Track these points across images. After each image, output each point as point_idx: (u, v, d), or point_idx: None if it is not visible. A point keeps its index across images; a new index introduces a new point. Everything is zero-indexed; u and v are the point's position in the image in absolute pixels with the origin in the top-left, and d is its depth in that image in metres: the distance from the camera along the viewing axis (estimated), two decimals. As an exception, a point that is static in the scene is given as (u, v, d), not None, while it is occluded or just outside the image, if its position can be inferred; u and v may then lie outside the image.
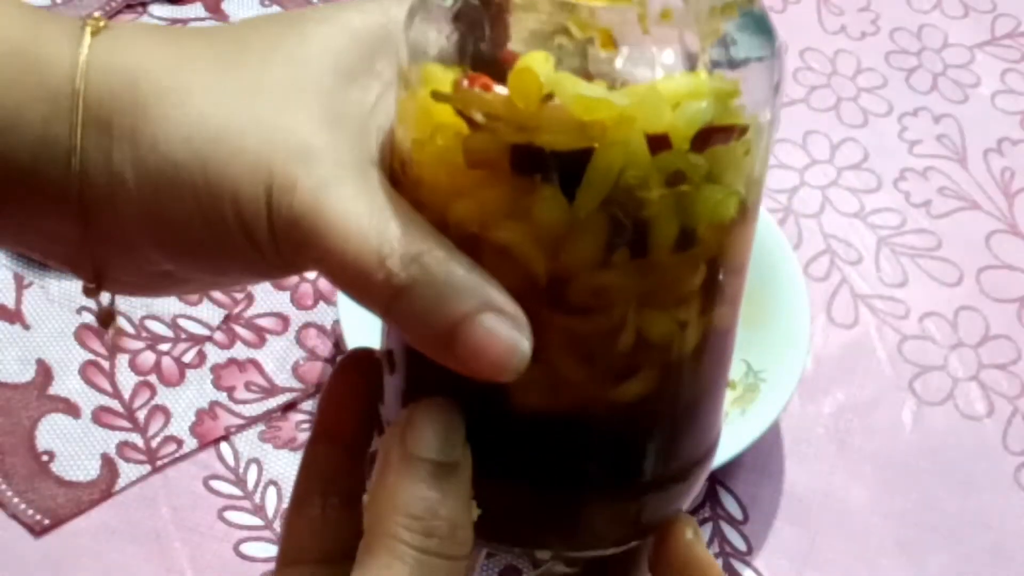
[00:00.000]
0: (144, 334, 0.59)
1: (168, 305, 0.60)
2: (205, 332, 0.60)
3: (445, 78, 0.30)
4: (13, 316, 0.60)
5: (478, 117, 0.30)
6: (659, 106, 0.30)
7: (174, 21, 0.71)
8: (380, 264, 0.29)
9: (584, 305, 0.31)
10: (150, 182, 0.30)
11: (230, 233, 0.31)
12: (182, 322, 0.60)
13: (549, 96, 0.30)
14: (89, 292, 0.34)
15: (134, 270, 0.33)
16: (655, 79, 0.30)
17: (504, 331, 0.29)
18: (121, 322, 0.59)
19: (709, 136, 0.30)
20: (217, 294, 0.61)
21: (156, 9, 0.72)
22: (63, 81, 0.30)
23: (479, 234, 0.31)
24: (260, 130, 0.30)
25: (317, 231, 0.30)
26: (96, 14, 0.33)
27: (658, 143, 0.30)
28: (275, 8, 0.73)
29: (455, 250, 0.30)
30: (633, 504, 0.34)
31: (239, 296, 0.61)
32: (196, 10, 0.72)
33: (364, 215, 0.30)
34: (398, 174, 0.32)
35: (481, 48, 0.31)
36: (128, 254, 0.32)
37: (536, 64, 0.30)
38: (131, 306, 0.60)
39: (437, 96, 0.30)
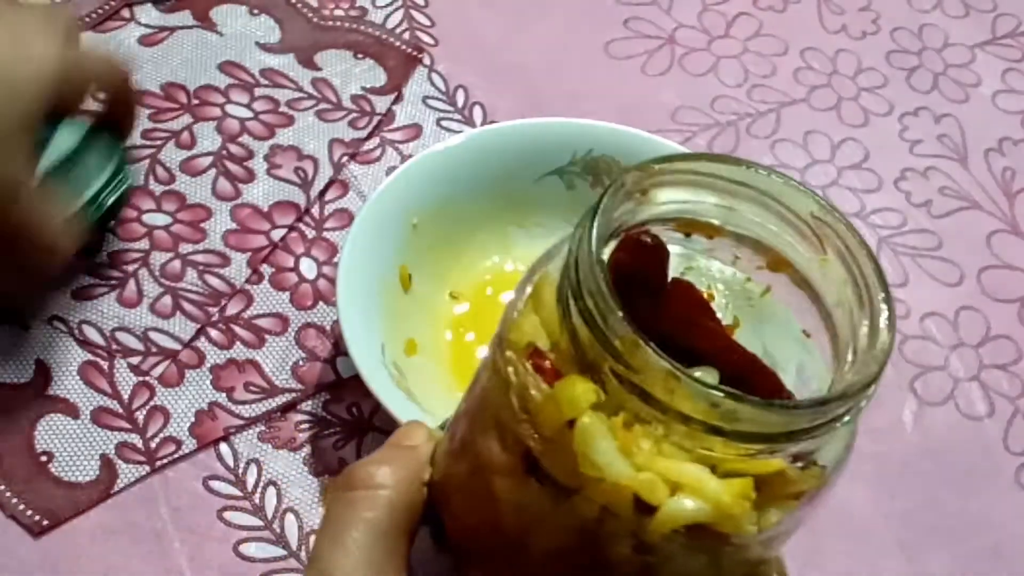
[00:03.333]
0: (115, 346, 0.59)
1: (140, 318, 0.60)
2: (176, 346, 0.60)
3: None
4: (12, 316, 0.60)
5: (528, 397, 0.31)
6: (656, 487, 0.30)
7: (162, 28, 0.71)
8: None
9: None
10: None
11: None
12: (153, 335, 0.60)
13: (571, 422, 0.30)
14: None
15: None
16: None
17: None
18: (91, 334, 0.59)
19: (695, 529, 0.30)
20: (191, 308, 0.61)
21: (144, 17, 0.72)
22: None
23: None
24: None
25: None
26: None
27: (643, 508, 0.30)
28: (263, 17, 0.72)
29: None
30: None
31: (212, 310, 0.61)
32: (184, 18, 0.72)
33: None
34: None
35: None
36: None
37: (571, 394, 0.30)
38: (103, 317, 0.60)
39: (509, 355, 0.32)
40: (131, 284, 0.61)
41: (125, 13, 0.72)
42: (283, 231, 0.64)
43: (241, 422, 0.58)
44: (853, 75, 0.75)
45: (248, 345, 0.60)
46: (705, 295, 0.34)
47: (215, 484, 0.56)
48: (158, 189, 0.65)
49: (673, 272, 0.33)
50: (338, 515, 0.35)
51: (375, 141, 0.68)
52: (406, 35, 0.73)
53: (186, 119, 0.68)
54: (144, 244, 0.63)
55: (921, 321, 0.65)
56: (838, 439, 0.32)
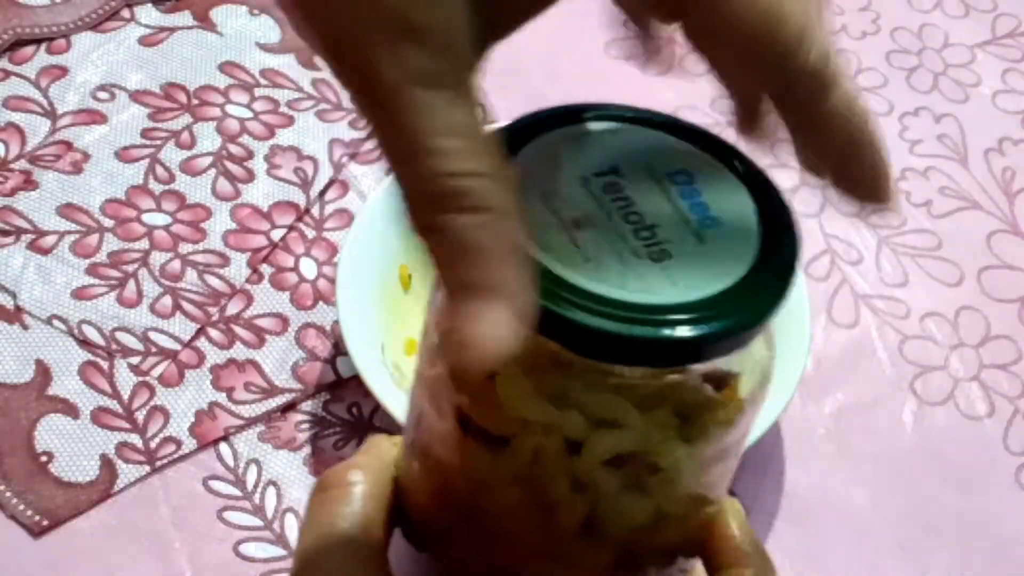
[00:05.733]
0: (115, 346, 0.59)
1: (140, 318, 0.60)
2: (176, 346, 0.60)
3: None
4: (12, 316, 0.60)
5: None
6: (578, 422, 0.30)
7: (162, 29, 0.71)
8: None
9: (498, 534, 0.34)
10: None
11: None
12: (153, 335, 0.60)
13: (492, 378, 0.31)
14: None
15: None
16: None
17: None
18: (91, 334, 0.59)
19: (623, 461, 0.31)
20: (191, 308, 0.61)
21: (144, 17, 0.72)
22: None
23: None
24: None
25: None
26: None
27: (573, 449, 0.31)
28: (263, 17, 0.72)
29: None
30: None
31: (212, 310, 0.61)
32: (184, 18, 0.72)
33: None
34: None
35: None
36: None
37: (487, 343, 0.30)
38: (103, 317, 0.60)
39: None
40: (131, 284, 0.61)
41: (125, 13, 0.72)
42: (283, 231, 0.64)
43: (241, 422, 0.58)
44: (853, 75, 0.75)
45: (248, 345, 0.60)
46: None
47: (215, 484, 0.56)
48: (158, 189, 0.65)
49: None
50: (316, 515, 0.37)
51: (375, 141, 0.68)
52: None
53: (186, 119, 0.68)
54: (144, 244, 0.63)
55: (921, 321, 0.65)
56: (753, 367, 0.32)
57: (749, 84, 0.32)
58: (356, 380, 0.56)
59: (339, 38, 0.28)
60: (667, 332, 0.28)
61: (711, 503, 0.36)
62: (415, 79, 0.27)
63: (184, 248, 0.63)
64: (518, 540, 0.34)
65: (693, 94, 0.73)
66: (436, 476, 0.35)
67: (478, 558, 0.36)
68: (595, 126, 0.33)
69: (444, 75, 0.27)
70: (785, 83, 0.30)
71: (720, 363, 0.31)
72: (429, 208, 0.27)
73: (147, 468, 0.56)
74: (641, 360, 0.29)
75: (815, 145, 0.30)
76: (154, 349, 0.59)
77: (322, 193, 0.66)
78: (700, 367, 0.31)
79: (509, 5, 0.31)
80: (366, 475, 0.37)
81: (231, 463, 0.57)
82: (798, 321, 0.59)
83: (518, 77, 0.71)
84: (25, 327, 0.60)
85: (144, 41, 0.71)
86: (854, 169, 0.30)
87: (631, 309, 0.29)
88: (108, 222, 0.63)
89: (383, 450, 0.38)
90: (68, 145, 0.66)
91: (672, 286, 0.29)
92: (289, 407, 0.59)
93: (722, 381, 0.32)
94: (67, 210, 0.63)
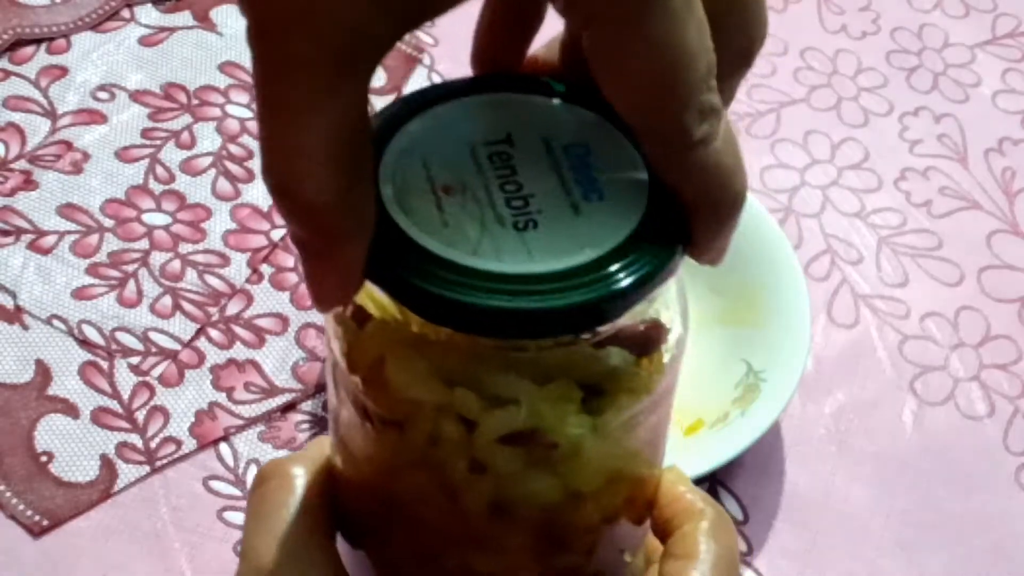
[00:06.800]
0: (115, 346, 0.59)
1: (140, 318, 0.60)
2: (176, 346, 0.60)
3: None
4: (12, 316, 0.60)
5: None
6: (469, 400, 0.30)
7: (162, 29, 0.71)
8: None
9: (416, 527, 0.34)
10: None
11: None
12: (153, 335, 0.60)
13: (382, 359, 0.30)
14: None
15: None
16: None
17: None
18: (91, 334, 0.59)
19: (522, 438, 0.30)
20: (191, 308, 0.61)
21: (144, 17, 0.72)
22: None
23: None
24: None
25: None
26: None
27: (471, 428, 0.30)
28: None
29: None
30: None
31: (212, 310, 0.61)
32: (184, 18, 0.72)
33: None
34: None
35: None
36: None
37: (378, 330, 0.31)
38: (103, 317, 0.60)
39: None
40: (131, 284, 0.61)
41: (125, 13, 0.72)
42: (283, 231, 0.64)
43: (241, 422, 0.58)
44: (853, 75, 0.75)
45: (248, 345, 0.60)
46: None
47: (215, 484, 0.56)
48: (158, 189, 0.65)
49: None
50: (256, 508, 0.36)
51: (375, 141, 0.68)
52: (406, 35, 0.73)
53: (186, 119, 0.68)
54: (144, 244, 0.63)
55: (921, 321, 0.65)
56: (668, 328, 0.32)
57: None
58: (356, 380, 0.56)
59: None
60: (499, 302, 0.28)
61: (640, 475, 0.35)
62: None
63: (184, 248, 0.63)
64: (433, 527, 0.33)
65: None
66: (352, 467, 0.35)
67: (402, 548, 0.35)
68: (501, 96, 0.33)
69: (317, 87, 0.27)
70: (651, 137, 0.30)
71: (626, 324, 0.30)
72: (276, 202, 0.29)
73: (147, 468, 0.56)
74: (487, 330, 0.29)
75: (670, 185, 0.30)
76: (154, 349, 0.59)
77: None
78: (581, 337, 0.30)
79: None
80: (306, 467, 0.37)
81: (231, 463, 0.57)
82: (798, 321, 0.59)
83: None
84: (25, 327, 0.60)
85: (144, 41, 0.71)
86: (695, 224, 0.30)
87: (474, 276, 0.28)
88: (108, 222, 0.63)
89: (323, 446, 0.38)
90: (68, 145, 0.66)
91: (526, 255, 0.28)
92: (289, 407, 0.59)
93: (645, 345, 0.31)
94: (67, 210, 0.63)
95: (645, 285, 0.29)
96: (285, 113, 0.27)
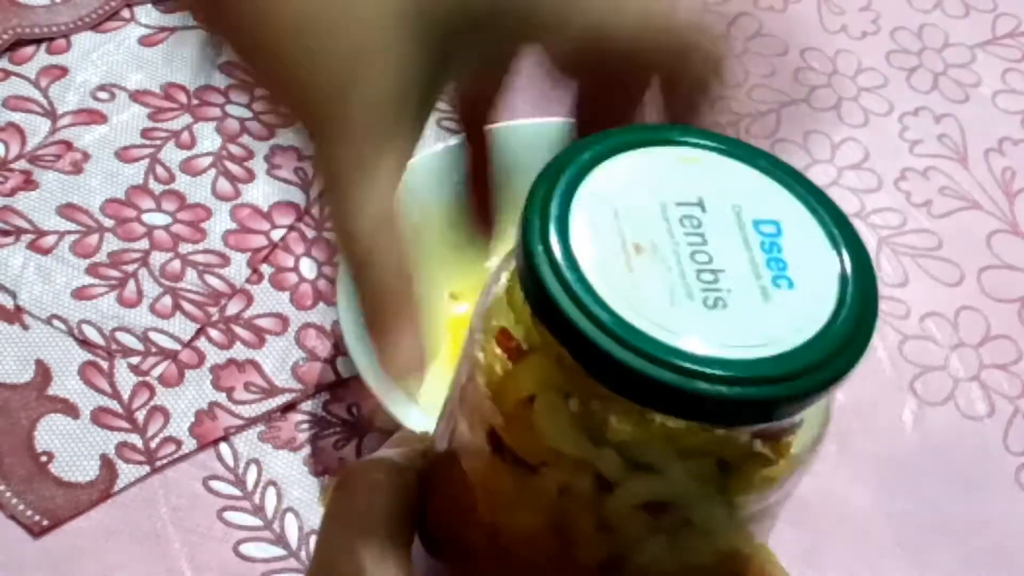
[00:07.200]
0: (115, 346, 0.59)
1: (140, 318, 0.60)
2: (176, 346, 0.60)
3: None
4: (12, 316, 0.60)
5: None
6: (613, 462, 0.29)
7: (162, 29, 0.71)
8: None
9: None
10: None
11: None
12: (153, 335, 0.60)
13: (531, 399, 0.30)
14: None
15: None
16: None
17: None
18: (91, 334, 0.59)
19: (656, 508, 0.30)
20: (191, 308, 0.61)
21: (144, 17, 0.72)
22: None
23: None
24: None
25: None
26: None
27: (604, 486, 0.30)
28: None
29: None
30: None
31: (212, 310, 0.61)
32: (184, 18, 0.72)
33: None
34: None
35: None
36: None
37: (533, 370, 0.30)
38: (103, 317, 0.60)
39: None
40: (131, 284, 0.61)
41: (125, 13, 0.72)
42: (283, 231, 0.64)
43: (241, 422, 0.58)
44: (853, 75, 0.75)
45: (248, 345, 0.60)
46: None
47: (215, 484, 0.56)
48: (158, 189, 0.65)
49: None
50: (337, 508, 0.36)
51: (375, 141, 0.68)
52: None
53: (186, 119, 0.68)
54: (144, 244, 0.63)
55: (921, 321, 0.65)
56: (810, 422, 0.31)
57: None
58: (356, 380, 0.56)
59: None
60: (715, 388, 0.27)
61: (747, 555, 0.35)
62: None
63: (184, 248, 0.63)
64: (534, 567, 0.33)
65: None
66: (461, 488, 0.34)
67: (491, 574, 0.35)
68: (691, 152, 0.31)
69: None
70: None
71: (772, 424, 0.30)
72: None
73: (147, 468, 0.56)
74: (663, 407, 0.28)
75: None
76: (154, 349, 0.59)
77: (322, 193, 0.66)
78: (750, 427, 0.29)
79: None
80: (389, 474, 0.36)
81: (231, 463, 0.57)
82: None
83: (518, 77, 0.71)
84: (25, 327, 0.60)
85: (144, 41, 0.71)
86: None
87: (660, 349, 0.27)
88: (108, 222, 0.63)
89: (409, 443, 0.37)
90: (68, 145, 0.66)
91: (715, 337, 0.28)
92: (289, 407, 0.59)
93: (775, 436, 0.31)
94: (67, 210, 0.63)
95: (829, 387, 0.28)
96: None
